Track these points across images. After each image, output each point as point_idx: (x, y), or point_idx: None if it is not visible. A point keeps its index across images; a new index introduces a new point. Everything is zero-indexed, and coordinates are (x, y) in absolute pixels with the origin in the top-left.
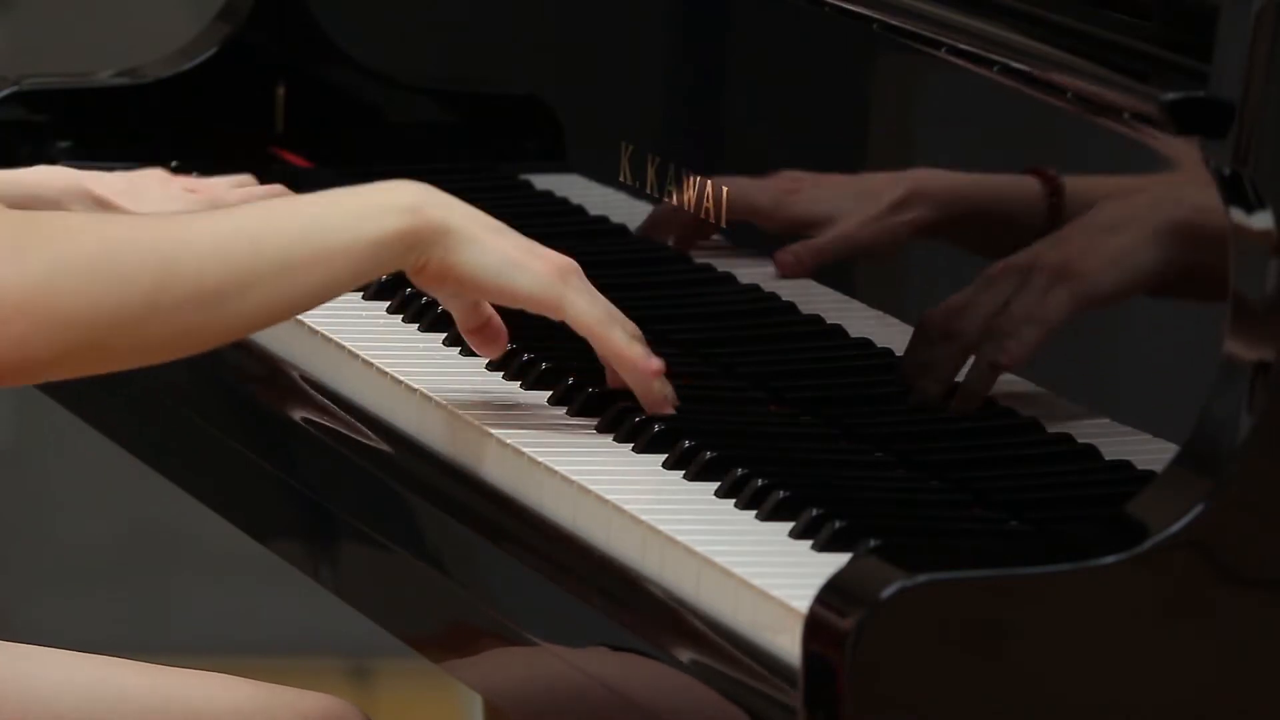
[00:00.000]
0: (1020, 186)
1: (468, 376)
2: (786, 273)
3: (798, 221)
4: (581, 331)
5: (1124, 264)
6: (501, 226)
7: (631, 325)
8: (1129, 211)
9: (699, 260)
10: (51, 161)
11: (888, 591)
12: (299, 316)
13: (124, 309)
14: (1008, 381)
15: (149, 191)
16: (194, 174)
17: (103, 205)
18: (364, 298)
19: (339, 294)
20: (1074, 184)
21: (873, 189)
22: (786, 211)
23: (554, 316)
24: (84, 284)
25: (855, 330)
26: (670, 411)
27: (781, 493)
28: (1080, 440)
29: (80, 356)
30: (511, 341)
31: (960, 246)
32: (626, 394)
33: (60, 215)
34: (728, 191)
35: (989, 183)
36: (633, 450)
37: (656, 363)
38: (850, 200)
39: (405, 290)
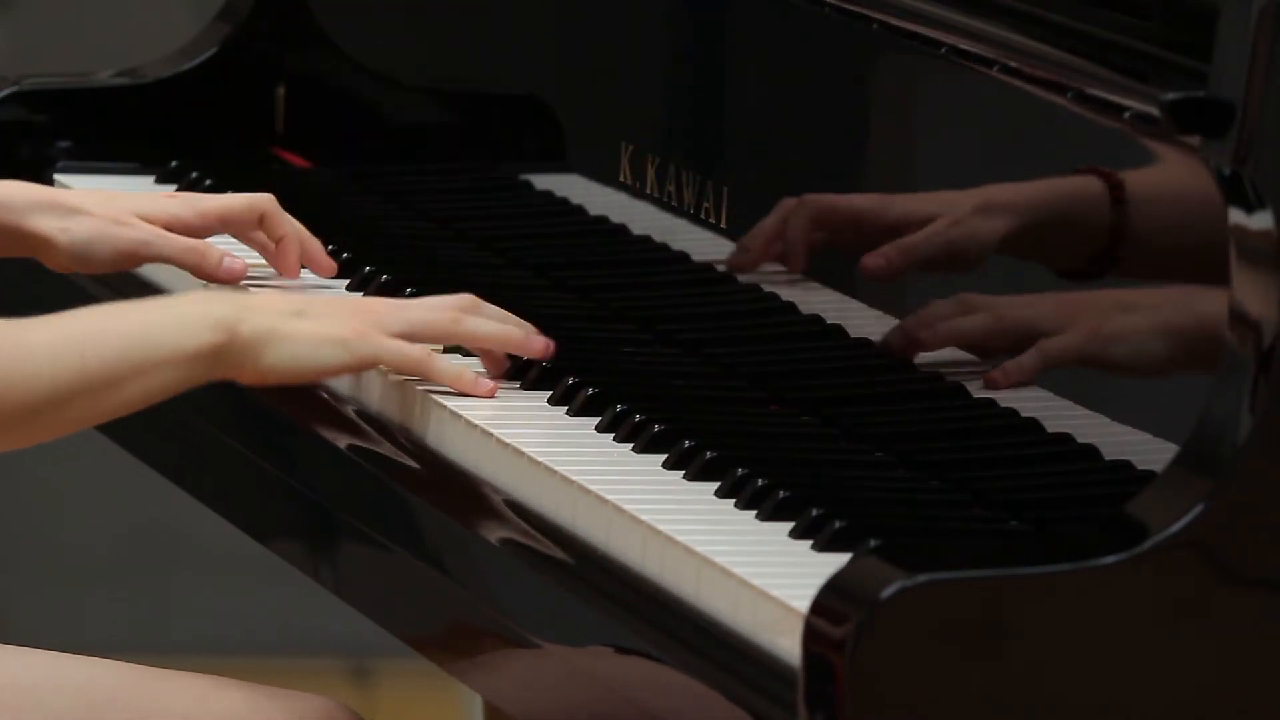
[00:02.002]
0: (1082, 187)
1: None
2: (876, 276)
3: (892, 228)
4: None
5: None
6: (302, 308)
7: (452, 311)
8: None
9: (699, 260)
10: (51, 162)
11: (888, 591)
12: None
13: None
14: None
15: (121, 195)
16: (194, 174)
17: (72, 210)
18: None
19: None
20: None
21: (954, 199)
22: (882, 218)
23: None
24: None
25: (855, 330)
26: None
27: (781, 493)
28: (1080, 440)
29: None
30: None
31: (1035, 255)
32: (627, 394)
33: None
34: (813, 204)
35: (1058, 187)
36: (633, 450)
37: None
38: (937, 207)
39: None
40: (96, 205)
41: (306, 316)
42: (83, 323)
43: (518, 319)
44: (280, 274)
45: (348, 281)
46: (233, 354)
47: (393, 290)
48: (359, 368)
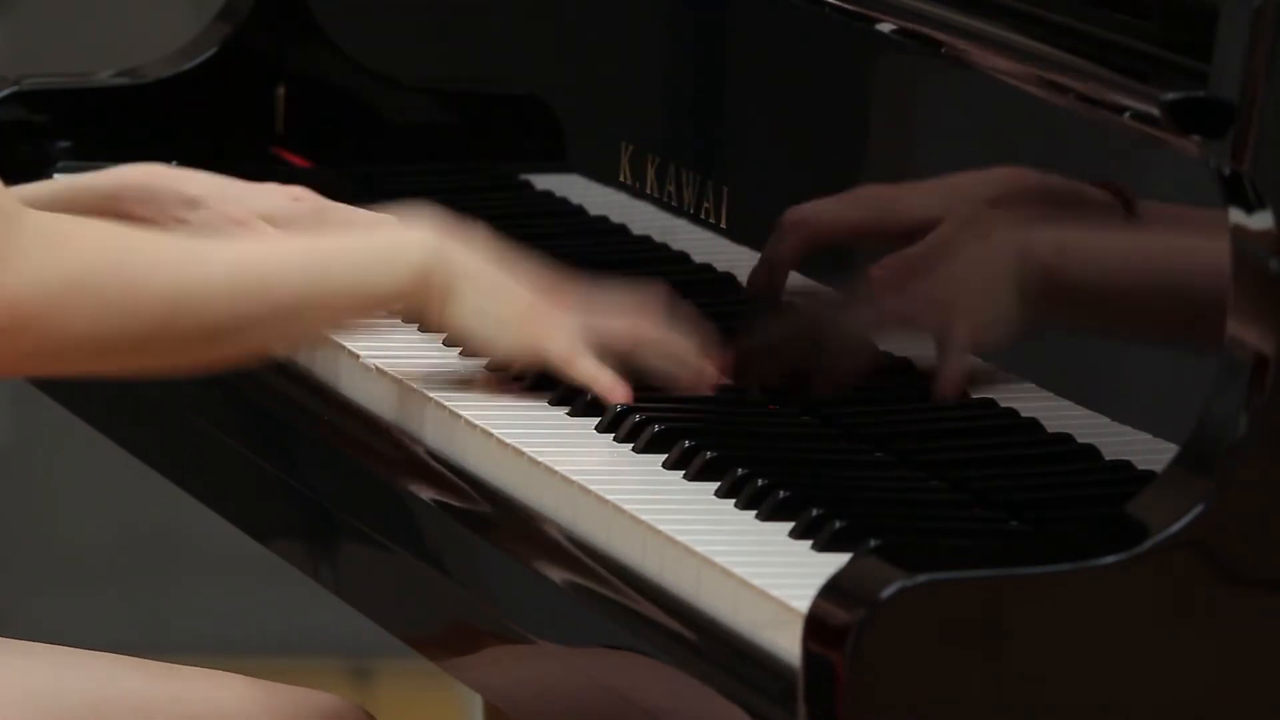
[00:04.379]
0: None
1: (471, 377)
2: (881, 289)
3: (902, 232)
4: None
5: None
6: (501, 283)
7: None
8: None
9: (699, 260)
10: (51, 162)
11: (888, 591)
12: None
13: (129, 335)
14: (1008, 381)
15: (244, 189)
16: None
17: (190, 202)
18: None
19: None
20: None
21: (962, 188)
22: (891, 223)
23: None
24: (97, 308)
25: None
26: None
27: (781, 493)
28: (1080, 440)
29: (72, 367)
30: None
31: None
32: None
33: (83, 226)
34: (814, 215)
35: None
36: (633, 450)
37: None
38: (944, 201)
39: None
40: (217, 198)
41: (498, 294)
42: (266, 250)
43: (690, 348)
44: None
45: None
46: (420, 298)
47: None
48: (522, 363)
